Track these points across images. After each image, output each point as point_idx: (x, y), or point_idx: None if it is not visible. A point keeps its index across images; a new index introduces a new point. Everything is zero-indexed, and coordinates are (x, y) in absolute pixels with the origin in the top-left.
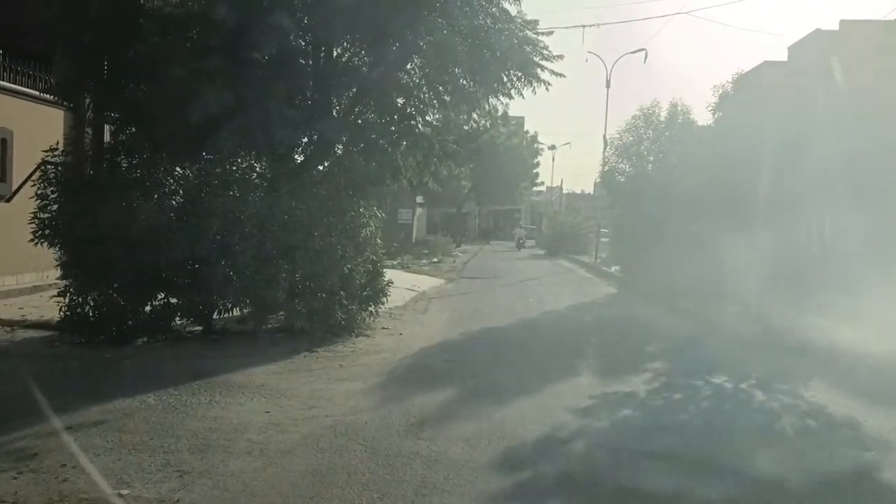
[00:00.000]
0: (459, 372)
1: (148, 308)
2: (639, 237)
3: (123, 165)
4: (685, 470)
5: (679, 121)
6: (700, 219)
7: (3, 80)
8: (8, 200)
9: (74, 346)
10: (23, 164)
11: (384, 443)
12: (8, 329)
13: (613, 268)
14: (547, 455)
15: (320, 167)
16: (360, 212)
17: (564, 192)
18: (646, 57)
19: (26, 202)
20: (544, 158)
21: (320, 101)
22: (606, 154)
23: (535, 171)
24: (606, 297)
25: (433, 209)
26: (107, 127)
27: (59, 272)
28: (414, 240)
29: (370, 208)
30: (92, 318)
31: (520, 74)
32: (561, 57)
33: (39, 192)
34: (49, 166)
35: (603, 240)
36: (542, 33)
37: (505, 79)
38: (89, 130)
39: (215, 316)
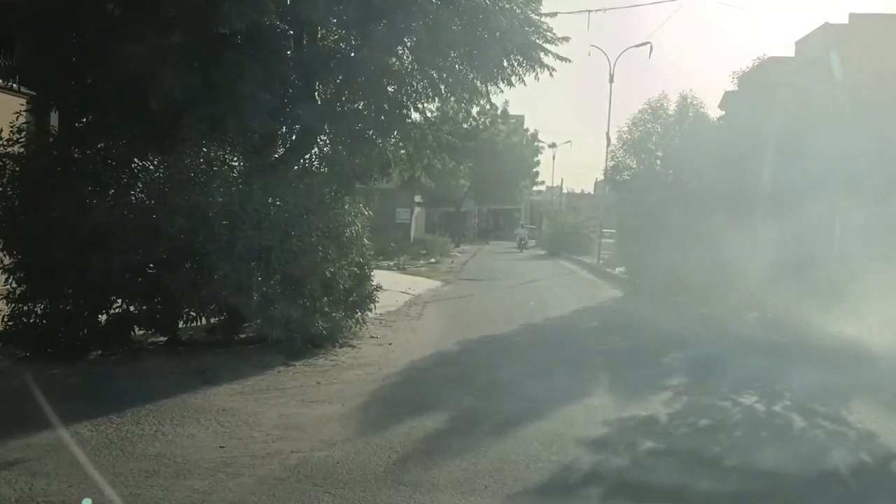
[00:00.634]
0: (453, 391)
1: (104, 317)
2: (646, 237)
3: (76, 156)
4: None
5: (690, 114)
6: (712, 218)
7: None
8: None
9: (18, 360)
10: None
11: (357, 490)
12: None
13: (618, 269)
14: None
15: (303, 160)
16: (345, 209)
17: (564, 191)
18: (651, 51)
19: None
20: (544, 157)
21: (302, 87)
22: (612, 149)
23: (535, 169)
24: (612, 300)
25: (432, 208)
26: (58, 113)
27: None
28: (412, 239)
29: (356, 205)
30: (39, 329)
31: (521, 59)
32: (566, 39)
33: None
34: None
35: (608, 241)
36: (546, 15)
37: (505, 63)
38: (35, 117)
39: (181, 325)
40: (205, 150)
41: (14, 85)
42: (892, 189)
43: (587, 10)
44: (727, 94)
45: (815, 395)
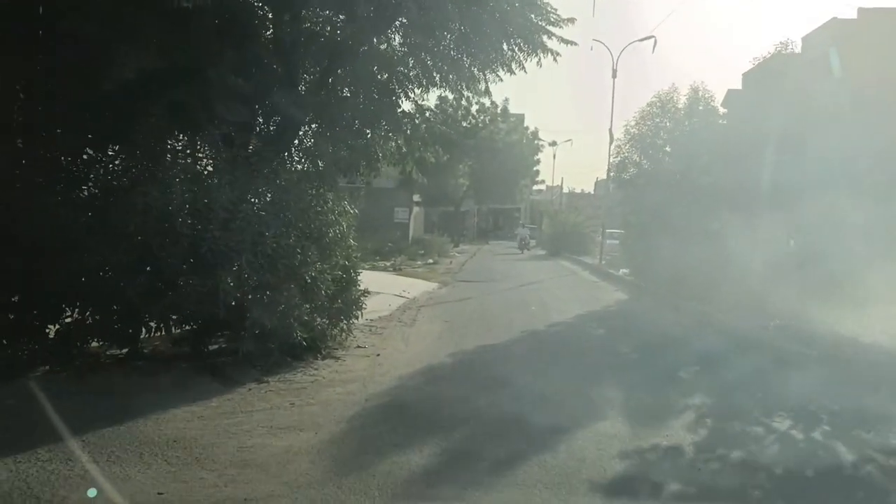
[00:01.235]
0: (444, 416)
1: (54, 328)
2: (654, 236)
3: (19, 146)
4: None
5: (700, 108)
6: (725, 216)
7: None
8: None
9: None
10: None
11: None
12: None
13: (621, 270)
14: None
15: (283, 155)
16: (328, 207)
17: (565, 190)
18: (655, 45)
19: None
20: (544, 156)
21: (282, 72)
22: (617, 145)
23: (535, 168)
24: (618, 303)
25: (431, 208)
26: None
27: None
28: (410, 239)
29: (340, 203)
30: None
31: (521, 43)
32: (572, 21)
33: None
34: None
35: (612, 241)
36: None
37: (505, 47)
38: None
39: (144, 336)
40: (171, 142)
41: None
42: None
43: None
44: (730, 93)
45: (857, 418)
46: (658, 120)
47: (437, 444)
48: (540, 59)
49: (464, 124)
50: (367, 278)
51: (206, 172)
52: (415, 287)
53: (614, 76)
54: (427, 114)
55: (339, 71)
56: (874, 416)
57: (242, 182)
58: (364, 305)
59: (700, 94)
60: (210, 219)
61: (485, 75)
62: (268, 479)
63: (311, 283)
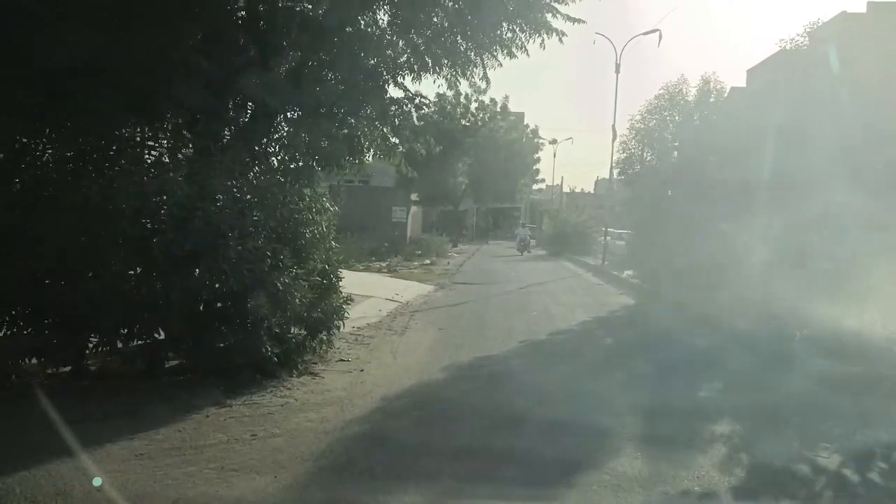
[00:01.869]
0: (432, 452)
1: None
2: (664, 237)
3: None
4: None
5: (712, 100)
6: (745, 217)
7: None
8: None
9: None
10: None
11: None
12: None
13: (625, 272)
14: None
15: (258, 147)
16: (305, 204)
17: (565, 190)
18: (660, 38)
19: None
20: (544, 155)
21: (255, 54)
22: (624, 140)
23: (535, 167)
24: (624, 308)
25: (429, 207)
26: None
27: None
28: (408, 239)
29: (318, 200)
30: None
31: (522, 23)
32: None
33: None
34: None
35: (619, 242)
36: None
37: (505, 26)
38: None
39: (93, 351)
40: (125, 130)
41: None
42: None
43: None
44: (733, 91)
45: None
46: (666, 113)
47: (420, 493)
48: (543, 41)
49: (463, 122)
50: (359, 281)
51: (160, 165)
52: (409, 290)
53: (617, 71)
54: (417, 100)
55: (320, 54)
56: None
57: (203, 176)
58: (347, 315)
59: (712, 84)
60: (161, 218)
61: (482, 60)
62: None
63: (283, 290)
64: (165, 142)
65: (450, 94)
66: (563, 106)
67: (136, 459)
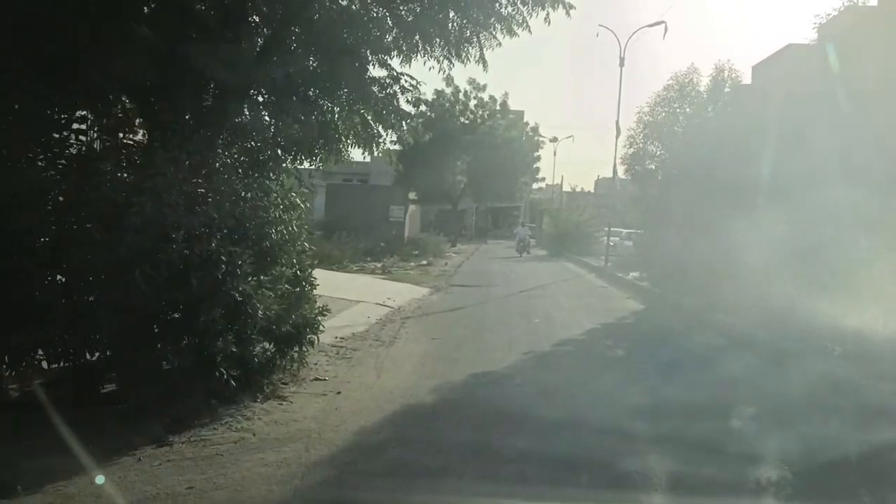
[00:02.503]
0: None
1: None
2: (675, 237)
3: None
4: None
5: (726, 90)
6: (769, 218)
7: None
8: None
9: None
10: None
11: None
12: None
13: (631, 274)
14: None
15: (210, 132)
16: (270, 200)
17: (565, 189)
18: (665, 31)
19: None
20: (544, 154)
21: (220, 27)
22: (632, 136)
23: (535, 165)
24: (633, 314)
25: (428, 206)
26: None
27: None
28: (405, 239)
29: (286, 194)
30: None
31: None
32: None
33: None
34: None
35: (627, 242)
36: None
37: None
38: None
39: (6, 374)
40: (50, 112)
41: None
42: None
43: None
44: (738, 87)
45: None
46: (676, 105)
47: None
48: (549, 15)
49: (462, 120)
50: (350, 283)
51: (87, 153)
52: (402, 294)
53: (622, 64)
54: (403, 80)
55: (294, 28)
56: None
57: (139, 167)
58: (322, 328)
59: (726, 73)
60: (87, 216)
61: (479, 38)
62: None
63: (243, 301)
64: (102, 126)
65: (448, 91)
66: (564, 104)
67: None
